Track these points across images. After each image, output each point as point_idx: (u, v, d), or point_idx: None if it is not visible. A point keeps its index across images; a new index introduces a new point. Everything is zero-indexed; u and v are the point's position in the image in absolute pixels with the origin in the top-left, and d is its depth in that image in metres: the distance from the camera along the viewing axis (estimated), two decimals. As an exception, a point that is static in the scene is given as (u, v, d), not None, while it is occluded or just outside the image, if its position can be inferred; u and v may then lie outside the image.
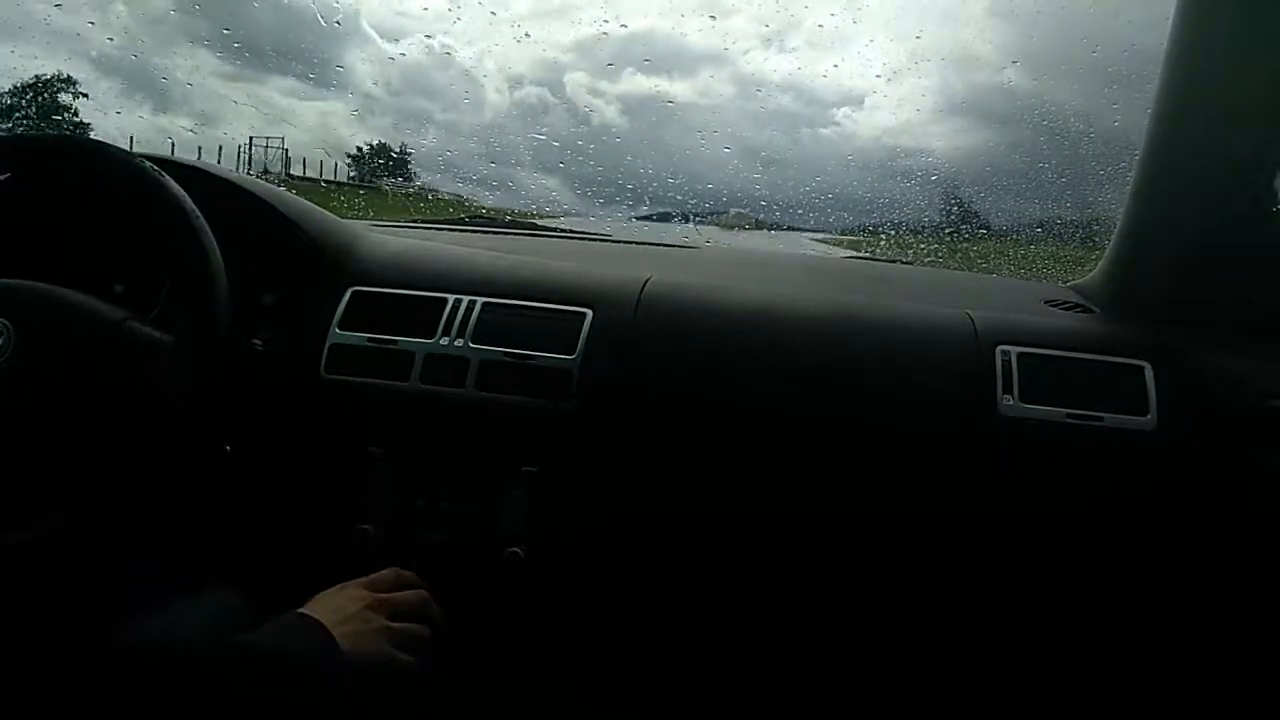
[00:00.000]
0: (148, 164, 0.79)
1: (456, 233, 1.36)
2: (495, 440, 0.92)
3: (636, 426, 0.91)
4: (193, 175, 0.91)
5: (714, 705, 0.92)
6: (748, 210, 1.96)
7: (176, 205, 0.78)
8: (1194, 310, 0.93)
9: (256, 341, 0.92)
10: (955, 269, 1.57)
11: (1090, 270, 1.10)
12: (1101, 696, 0.92)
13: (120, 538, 0.76)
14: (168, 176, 0.79)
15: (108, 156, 0.81)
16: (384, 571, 0.76)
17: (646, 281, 0.97)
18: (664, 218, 2.00)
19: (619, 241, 1.53)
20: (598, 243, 1.49)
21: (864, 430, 0.89)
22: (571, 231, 1.53)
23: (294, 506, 0.94)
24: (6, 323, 0.70)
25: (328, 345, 0.93)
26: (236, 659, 0.55)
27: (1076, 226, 1.42)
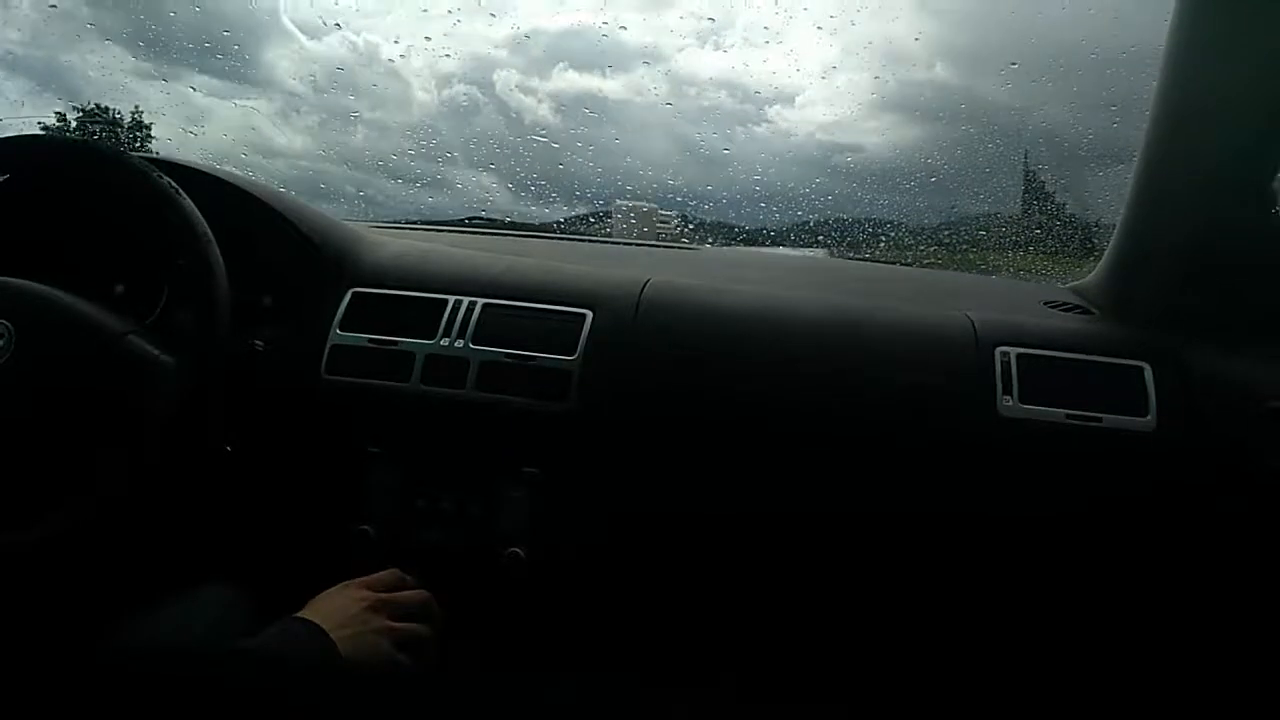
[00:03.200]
0: (146, 163, 0.80)
1: (456, 234, 1.36)
2: (495, 441, 0.92)
3: (637, 427, 0.91)
4: (193, 176, 0.91)
5: (714, 706, 0.92)
6: (655, 204, 1.65)
7: (176, 205, 0.78)
8: (1193, 311, 0.93)
9: (257, 342, 0.92)
10: (955, 270, 1.57)
11: (1089, 272, 1.11)
12: (1102, 696, 0.92)
13: (120, 538, 0.76)
14: (166, 176, 0.79)
15: (107, 158, 0.81)
16: (384, 573, 0.76)
17: (646, 283, 0.97)
18: (585, 221, 1.82)
19: (619, 243, 1.53)
20: (597, 244, 1.49)
21: (864, 431, 0.89)
22: (571, 233, 1.53)
23: (294, 507, 0.94)
24: (8, 324, 0.70)
25: (328, 346, 0.94)
26: (237, 665, 0.55)
27: (1075, 228, 1.42)
